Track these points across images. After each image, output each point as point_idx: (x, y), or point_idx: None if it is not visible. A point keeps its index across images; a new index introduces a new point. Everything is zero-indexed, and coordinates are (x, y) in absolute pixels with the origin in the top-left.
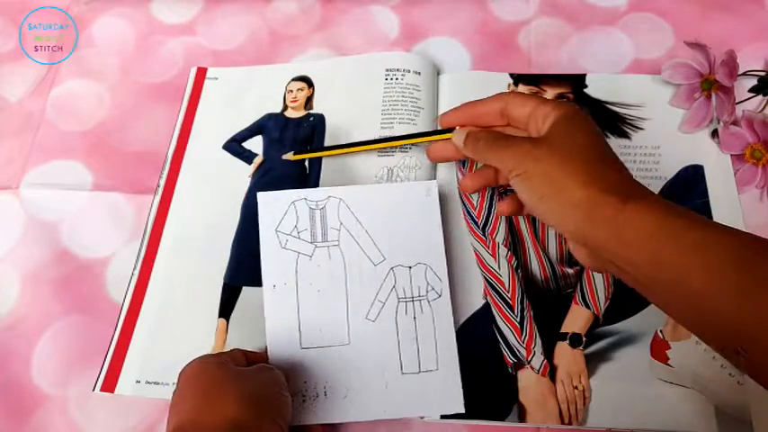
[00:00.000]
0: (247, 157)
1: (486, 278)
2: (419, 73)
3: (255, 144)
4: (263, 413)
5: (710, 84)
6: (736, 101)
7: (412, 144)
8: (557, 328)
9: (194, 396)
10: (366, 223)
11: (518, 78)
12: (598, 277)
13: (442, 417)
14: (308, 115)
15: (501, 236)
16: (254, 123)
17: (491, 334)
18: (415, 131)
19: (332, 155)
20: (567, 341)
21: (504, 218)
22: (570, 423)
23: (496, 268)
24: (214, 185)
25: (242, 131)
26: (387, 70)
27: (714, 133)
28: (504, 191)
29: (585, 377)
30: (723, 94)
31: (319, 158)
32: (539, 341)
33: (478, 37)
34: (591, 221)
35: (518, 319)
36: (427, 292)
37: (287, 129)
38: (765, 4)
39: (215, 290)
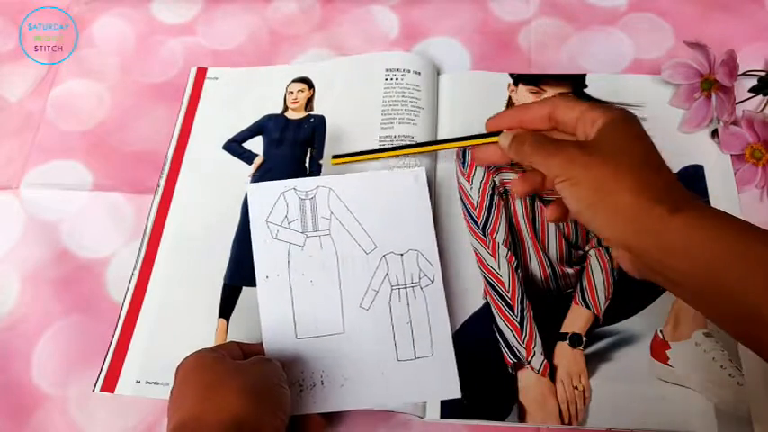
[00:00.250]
0: (248, 157)
1: (486, 278)
2: (419, 73)
3: (255, 144)
4: (263, 406)
5: (710, 84)
6: (736, 101)
7: (459, 147)
8: (557, 328)
9: (194, 392)
10: (356, 212)
11: (518, 78)
12: (598, 277)
13: (443, 416)
14: (309, 116)
15: (501, 236)
16: (254, 124)
17: (491, 334)
18: (415, 131)
19: (374, 158)
20: (567, 341)
21: (504, 218)
22: (570, 423)
23: (496, 268)
24: (214, 185)
25: (242, 132)
26: (387, 70)
27: (714, 133)
28: (504, 190)
29: (585, 377)
30: (723, 94)
31: (320, 159)
32: (539, 341)
33: (478, 37)
34: (639, 230)
35: (518, 319)
36: (420, 278)
37: (287, 130)
38: (765, 4)
39: (215, 290)
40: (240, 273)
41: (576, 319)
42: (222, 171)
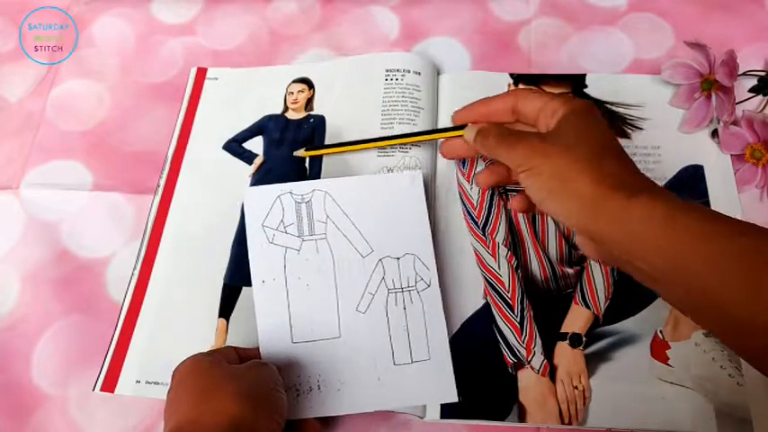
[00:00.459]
0: (248, 157)
1: (486, 278)
2: (419, 73)
3: (255, 144)
4: (259, 410)
5: (710, 84)
6: (736, 101)
7: (424, 141)
8: (557, 328)
9: (190, 396)
10: (353, 215)
11: (518, 78)
12: (598, 277)
13: (443, 416)
14: (309, 116)
15: (501, 236)
16: (254, 124)
17: (491, 334)
18: (417, 131)
19: (344, 151)
20: (567, 341)
21: (504, 218)
22: (570, 423)
23: (496, 268)
24: (214, 185)
25: (242, 132)
26: (387, 70)
27: (714, 133)
28: (503, 191)
29: (585, 377)
30: (723, 94)
31: (320, 159)
32: (539, 341)
33: (478, 37)
34: (599, 217)
35: (518, 319)
36: (416, 282)
37: (287, 130)
38: (765, 4)
39: (215, 290)
40: (240, 273)
41: (576, 319)
42: (222, 171)
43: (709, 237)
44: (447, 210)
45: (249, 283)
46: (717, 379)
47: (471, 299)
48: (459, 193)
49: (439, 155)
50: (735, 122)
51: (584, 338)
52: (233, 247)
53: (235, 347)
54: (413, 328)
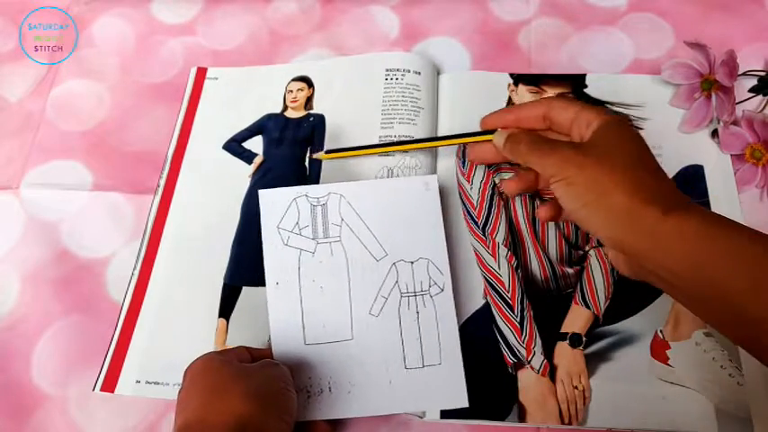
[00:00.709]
0: (247, 157)
1: (486, 278)
2: (419, 73)
3: (255, 144)
4: (268, 409)
5: (710, 84)
6: (736, 101)
7: (454, 144)
8: (557, 328)
9: (200, 394)
10: (367, 219)
11: (518, 78)
12: (598, 277)
13: (443, 416)
14: (308, 115)
15: (501, 236)
16: (254, 123)
17: (491, 334)
18: (415, 131)
19: (364, 154)
20: (567, 341)
21: (504, 218)
22: (570, 423)
23: (496, 268)
24: (214, 185)
25: (242, 131)
26: (387, 70)
27: (714, 133)
28: (502, 191)
29: (585, 377)
30: (723, 94)
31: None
32: (539, 341)
33: (478, 37)
34: (632, 230)
35: (518, 319)
36: (430, 286)
37: (287, 129)
38: (765, 4)
39: (215, 290)
40: (240, 273)
41: (576, 319)
42: (222, 171)
43: (740, 253)
44: (447, 210)
45: (249, 283)
46: (717, 379)
47: (471, 299)
48: (459, 193)
49: (439, 155)
50: (735, 122)
51: (584, 338)
52: (233, 246)
53: (247, 347)
54: (425, 332)
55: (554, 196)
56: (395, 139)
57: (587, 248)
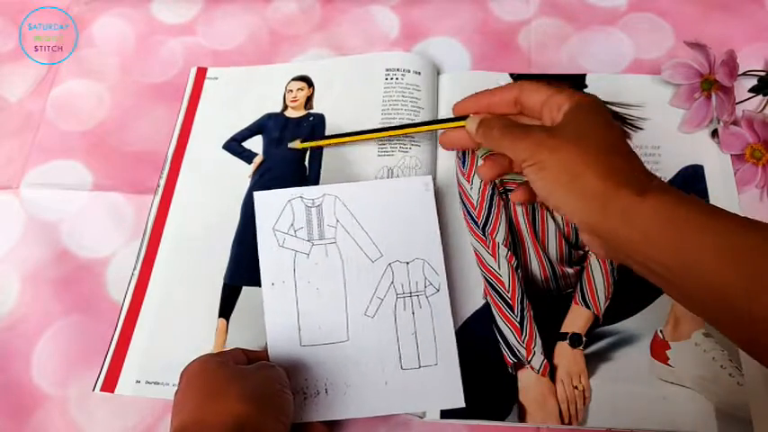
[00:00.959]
0: (247, 156)
1: (486, 278)
2: (419, 73)
3: (255, 144)
4: (265, 411)
5: (710, 84)
6: (736, 101)
7: (424, 132)
8: (557, 328)
9: (196, 396)
10: (362, 220)
11: (518, 78)
12: (598, 277)
13: (443, 416)
14: (308, 115)
15: (501, 236)
16: (254, 123)
17: (491, 334)
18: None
19: (340, 143)
20: (567, 341)
21: (504, 218)
22: (570, 423)
23: (496, 268)
24: (214, 185)
25: (242, 131)
26: (387, 70)
27: (714, 133)
28: (503, 190)
29: (585, 377)
30: (723, 94)
31: (320, 158)
32: (539, 341)
33: (478, 37)
34: (606, 213)
35: (518, 319)
36: (425, 287)
37: (287, 128)
38: (765, 4)
39: (215, 290)
40: (240, 273)
41: (576, 319)
42: (222, 171)
43: (718, 232)
44: (447, 209)
45: (249, 283)
46: (717, 379)
47: (471, 299)
48: (460, 193)
49: (439, 155)
50: (735, 122)
51: (584, 338)
52: (233, 246)
53: (243, 349)
54: (421, 332)
55: (526, 180)
56: (395, 139)
57: (587, 248)
